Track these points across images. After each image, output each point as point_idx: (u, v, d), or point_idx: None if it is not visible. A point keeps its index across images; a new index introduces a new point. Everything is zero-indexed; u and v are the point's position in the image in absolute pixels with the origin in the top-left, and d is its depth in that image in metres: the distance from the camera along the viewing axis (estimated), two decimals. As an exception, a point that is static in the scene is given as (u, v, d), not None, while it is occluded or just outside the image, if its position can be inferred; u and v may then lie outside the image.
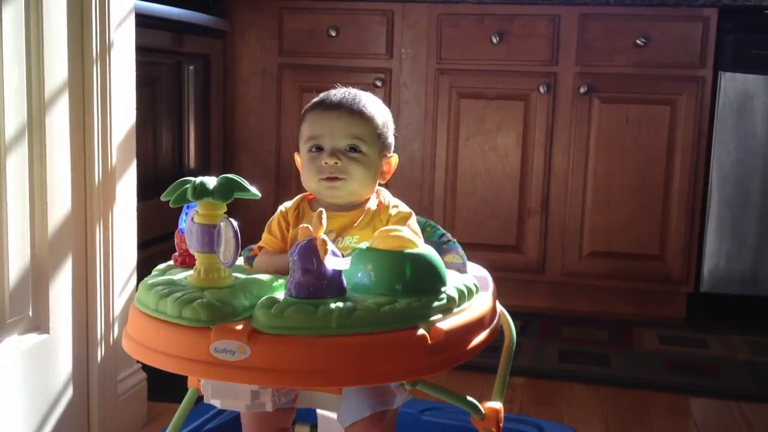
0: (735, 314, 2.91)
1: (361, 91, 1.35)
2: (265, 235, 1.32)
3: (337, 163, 1.27)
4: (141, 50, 1.84)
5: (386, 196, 1.34)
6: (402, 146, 2.99)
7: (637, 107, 2.85)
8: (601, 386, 2.23)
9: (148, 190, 1.96)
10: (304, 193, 1.36)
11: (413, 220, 1.31)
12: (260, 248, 1.32)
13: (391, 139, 1.35)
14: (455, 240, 1.38)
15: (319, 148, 1.29)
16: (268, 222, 1.33)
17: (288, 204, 1.35)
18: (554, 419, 1.93)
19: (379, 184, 1.35)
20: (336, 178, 1.27)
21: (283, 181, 3.10)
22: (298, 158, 1.36)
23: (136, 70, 1.81)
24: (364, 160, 1.29)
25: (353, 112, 1.29)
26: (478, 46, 2.91)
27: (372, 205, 1.32)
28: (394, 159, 1.36)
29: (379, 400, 1.21)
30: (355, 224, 1.29)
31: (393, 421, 1.25)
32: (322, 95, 1.34)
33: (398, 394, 1.24)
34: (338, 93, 1.32)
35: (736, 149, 2.81)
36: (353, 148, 1.28)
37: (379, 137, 1.31)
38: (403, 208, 1.32)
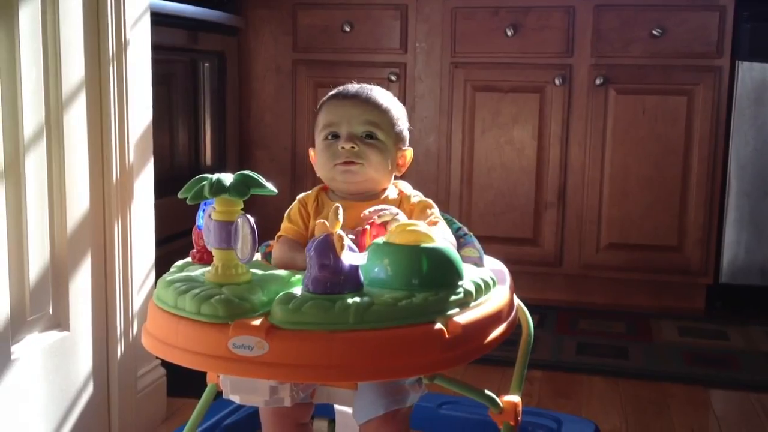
0: (755, 305, 2.89)
1: (376, 86, 1.36)
2: (284, 224, 1.32)
3: (353, 147, 1.27)
4: (156, 48, 1.85)
5: (406, 187, 1.35)
6: (417, 140, 2.99)
7: (654, 98, 2.83)
8: (620, 379, 2.23)
9: (165, 188, 1.97)
10: (321, 185, 1.36)
11: (435, 210, 1.31)
12: (279, 237, 1.32)
13: (406, 133, 1.36)
14: (471, 233, 1.38)
15: (335, 136, 1.30)
16: (287, 211, 1.34)
17: (306, 193, 1.35)
18: (572, 412, 1.93)
19: (396, 177, 1.36)
20: (352, 163, 1.28)
21: (299, 177, 3.10)
22: (312, 153, 1.37)
23: (152, 69, 1.82)
24: (380, 146, 1.29)
25: (369, 101, 1.31)
26: (493, 39, 2.90)
27: (392, 194, 1.33)
28: (409, 152, 1.36)
29: (393, 398, 1.21)
30: None
31: (407, 419, 1.25)
32: (338, 88, 1.35)
33: (412, 392, 1.24)
34: (354, 85, 1.34)
35: (754, 139, 2.78)
36: (369, 135, 1.29)
37: (394, 128, 1.32)
38: (423, 198, 1.33)
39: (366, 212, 1.22)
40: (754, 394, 2.14)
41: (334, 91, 1.35)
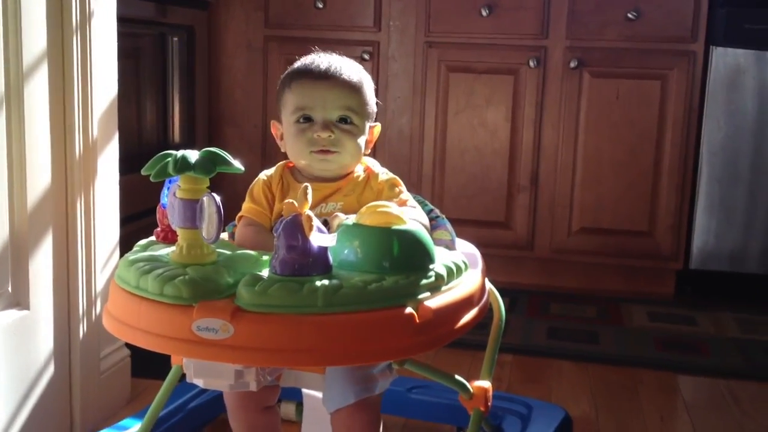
0: (724, 291, 2.90)
1: (342, 57, 1.31)
2: (247, 205, 1.29)
3: (330, 135, 1.24)
4: (123, 21, 1.80)
5: (374, 165, 1.33)
6: (390, 120, 2.96)
7: (628, 82, 2.82)
8: (590, 363, 2.22)
9: (131, 164, 1.92)
10: (284, 162, 1.33)
11: (402, 186, 1.29)
12: (241, 218, 1.28)
13: (374, 108, 1.33)
14: (444, 216, 1.35)
15: (308, 119, 1.26)
16: (249, 189, 1.30)
17: (269, 172, 1.32)
18: (542, 397, 1.92)
19: (364, 154, 1.33)
20: (329, 151, 1.25)
21: (269, 155, 3.06)
22: (276, 127, 1.33)
23: (119, 42, 1.76)
24: (356, 132, 1.27)
25: (345, 83, 1.27)
26: (468, 18, 2.87)
27: (358, 172, 1.30)
28: (377, 128, 1.34)
29: (363, 386, 1.19)
30: (340, 191, 1.27)
31: (378, 406, 1.23)
32: (305, 62, 1.30)
33: (380, 380, 1.22)
34: (323, 60, 1.29)
35: (726, 125, 2.79)
36: (344, 119, 1.26)
37: (367, 107, 1.29)
38: (390, 174, 1.31)
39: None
40: (722, 380, 2.15)
41: (301, 66, 1.29)
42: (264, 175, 1.31)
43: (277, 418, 1.33)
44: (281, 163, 1.33)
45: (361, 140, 1.28)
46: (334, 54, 1.31)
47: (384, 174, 1.31)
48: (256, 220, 1.26)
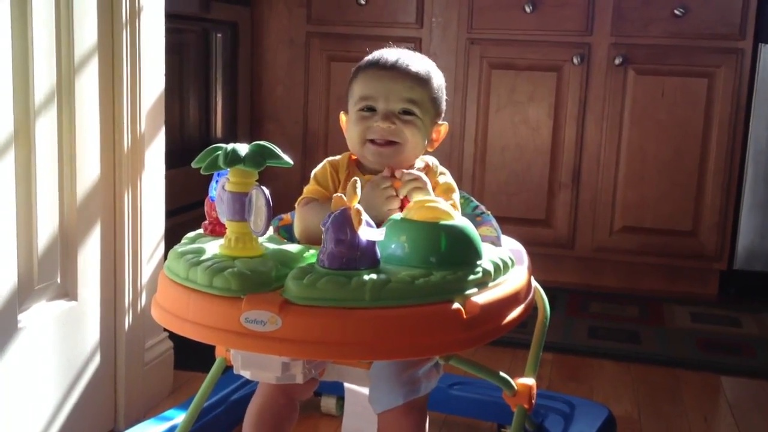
0: (769, 292, 2.86)
1: (417, 52, 1.30)
2: (312, 187, 1.26)
3: (390, 126, 1.22)
4: (169, 17, 1.81)
5: (433, 162, 1.31)
6: (431, 117, 2.94)
7: (674, 80, 2.78)
8: (632, 363, 2.20)
9: (174, 159, 1.94)
10: (349, 152, 1.31)
11: (456, 195, 1.27)
12: (304, 200, 1.25)
13: (443, 106, 1.30)
14: (489, 212, 1.35)
15: (371, 109, 1.24)
16: (313, 173, 1.28)
17: (335, 159, 1.30)
18: (584, 396, 1.90)
19: (426, 152, 1.31)
20: (389, 143, 1.23)
21: (310, 152, 3.07)
22: (343, 118, 1.32)
23: (164, 37, 1.78)
24: (418, 124, 1.24)
25: (410, 75, 1.25)
26: (511, 15, 2.85)
27: (417, 166, 1.28)
28: (444, 127, 1.32)
29: (411, 388, 1.18)
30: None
31: (425, 406, 1.23)
32: (376, 54, 1.29)
33: (428, 381, 1.22)
34: (393, 53, 1.28)
35: (774, 124, 2.74)
36: (407, 112, 1.24)
37: (433, 102, 1.27)
38: (449, 179, 1.28)
39: (398, 173, 1.19)
40: (766, 381, 2.11)
41: (371, 58, 1.28)
42: (331, 160, 1.29)
43: (295, 414, 1.32)
44: (347, 153, 1.31)
45: (423, 134, 1.25)
46: (407, 50, 1.30)
47: (442, 175, 1.28)
48: (323, 203, 1.21)
